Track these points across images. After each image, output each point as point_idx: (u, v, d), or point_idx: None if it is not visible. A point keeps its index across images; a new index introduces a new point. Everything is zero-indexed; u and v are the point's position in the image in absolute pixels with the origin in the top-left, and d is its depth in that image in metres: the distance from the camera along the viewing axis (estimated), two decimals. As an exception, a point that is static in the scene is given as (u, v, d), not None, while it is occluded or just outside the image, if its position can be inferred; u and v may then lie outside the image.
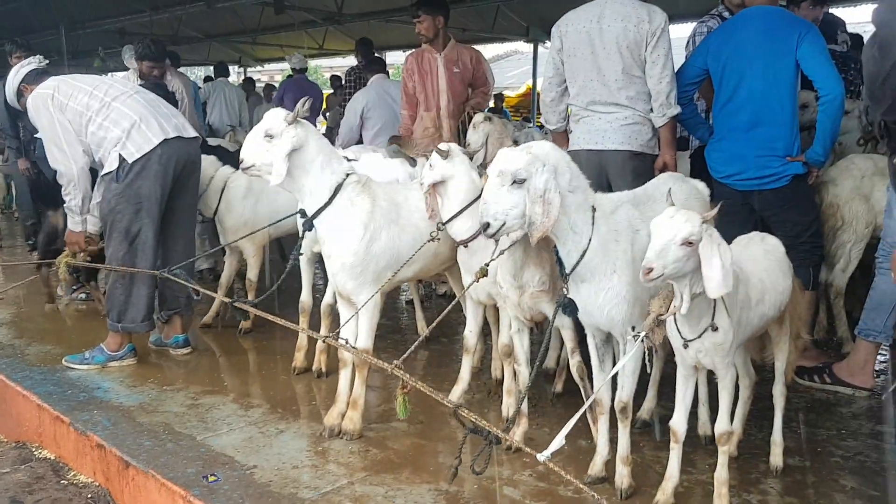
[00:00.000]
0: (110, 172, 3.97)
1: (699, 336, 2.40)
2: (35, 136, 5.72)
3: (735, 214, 3.63)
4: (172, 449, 3.10)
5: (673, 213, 2.24)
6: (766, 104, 3.59)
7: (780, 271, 2.74)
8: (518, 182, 2.43)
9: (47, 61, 4.47)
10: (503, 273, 2.91)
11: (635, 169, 3.61)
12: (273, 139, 2.97)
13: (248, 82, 13.28)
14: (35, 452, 3.50)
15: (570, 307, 2.64)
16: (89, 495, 3.12)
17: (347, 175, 3.13)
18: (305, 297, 4.06)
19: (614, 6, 3.66)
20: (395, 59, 20.03)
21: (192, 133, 4.18)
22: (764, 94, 3.58)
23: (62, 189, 4.08)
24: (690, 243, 2.18)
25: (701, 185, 3.30)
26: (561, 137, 3.96)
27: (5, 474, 3.27)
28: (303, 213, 3.13)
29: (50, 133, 4.01)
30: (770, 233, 3.68)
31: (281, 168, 2.95)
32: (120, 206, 3.93)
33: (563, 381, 3.63)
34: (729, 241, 2.94)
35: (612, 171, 3.67)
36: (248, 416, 3.45)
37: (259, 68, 19.27)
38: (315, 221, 3.12)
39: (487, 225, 2.45)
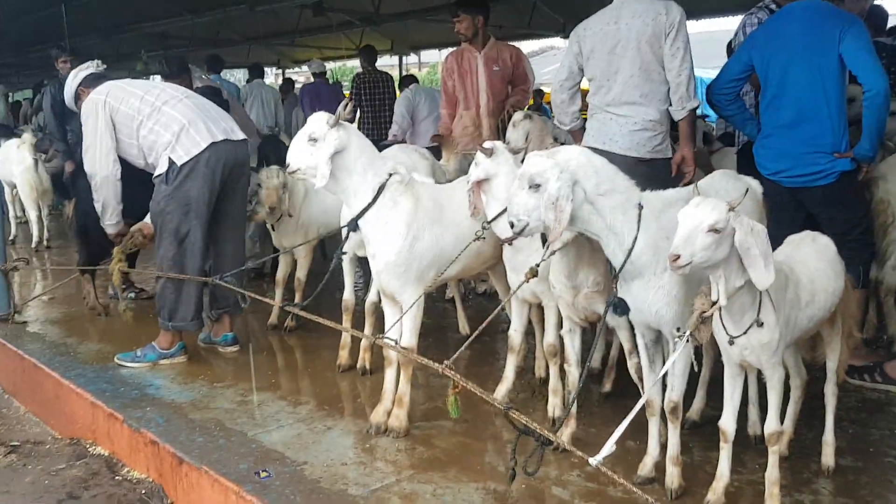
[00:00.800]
0: (161, 175, 4.06)
1: (744, 332, 2.38)
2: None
3: (784, 212, 3.59)
4: (224, 445, 3.16)
5: (699, 201, 2.26)
6: (811, 100, 3.54)
7: (832, 272, 2.70)
8: (534, 187, 2.50)
9: (105, 66, 4.57)
10: (557, 274, 2.91)
11: (643, 174, 3.57)
12: (317, 142, 3.02)
13: (287, 83, 13.41)
14: (89, 449, 3.59)
15: (620, 306, 2.64)
16: (143, 491, 3.20)
17: (390, 175, 3.16)
18: (348, 295, 4.10)
19: (631, 6, 3.69)
20: (430, 58, 20.10)
21: (240, 136, 4.25)
22: (808, 90, 3.53)
23: (93, 192, 4.25)
24: (717, 230, 2.19)
25: (755, 183, 3.27)
26: (579, 135, 3.98)
27: (61, 470, 3.38)
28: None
29: (91, 138, 4.14)
30: (820, 230, 3.65)
31: (325, 170, 3.00)
32: (169, 207, 4.02)
33: (612, 380, 3.62)
34: (779, 239, 2.93)
35: None
36: (297, 413, 3.50)
37: (297, 69, 19.44)
38: (360, 222, 3.16)
39: (511, 224, 2.53)
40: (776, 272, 2.40)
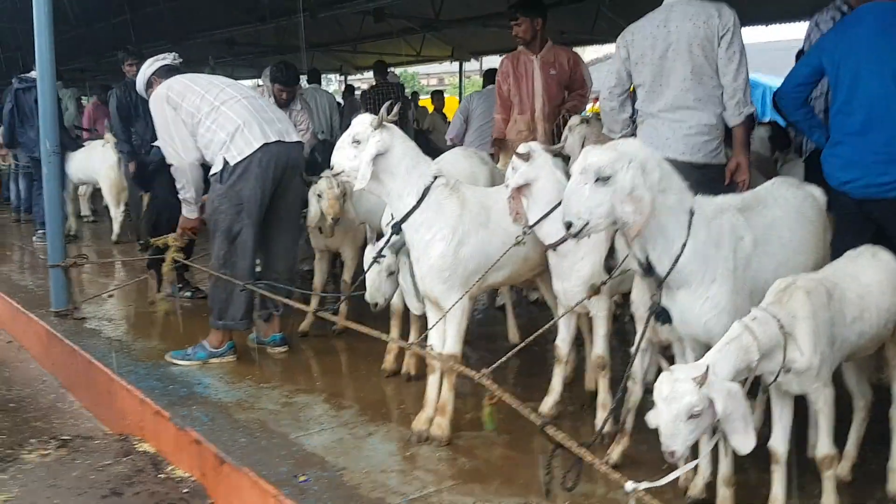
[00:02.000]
0: (215, 174, 4.11)
1: (775, 379, 2.30)
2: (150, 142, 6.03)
3: (851, 223, 3.38)
4: (266, 447, 3.15)
5: (667, 385, 2.11)
6: (883, 106, 3.33)
7: (889, 288, 2.53)
8: (602, 179, 2.35)
9: (181, 59, 4.63)
10: (639, 294, 2.79)
11: (697, 180, 3.43)
12: (360, 144, 2.99)
13: (349, 91, 13.53)
14: (136, 445, 3.63)
15: (662, 315, 2.52)
16: (185, 490, 3.20)
17: (435, 178, 3.10)
18: (396, 299, 4.02)
19: (681, 8, 3.56)
20: (491, 63, 20.04)
21: (294, 137, 4.28)
22: (881, 96, 3.32)
23: (176, 182, 4.27)
24: (695, 415, 2.09)
25: (818, 192, 3.09)
26: None
27: (108, 466, 3.41)
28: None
29: (163, 130, 4.21)
30: (890, 244, 3.44)
31: (366, 172, 2.97)
32: (223, 206, 4.06)
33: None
34: (846, 250, 2.77)
35: None
36: (339, 417, 3.47)
37: (359, 76, 19.65)
38: (403, 225, 3.11)
39: (570, 224, 2.38)
40: (815, 290, 2.33)
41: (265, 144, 4.05)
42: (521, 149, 3.06)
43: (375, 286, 3.37)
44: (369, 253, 3.43)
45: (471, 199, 3.17)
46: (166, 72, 4.42)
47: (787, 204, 2.87)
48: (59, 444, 3.70)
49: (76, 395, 4.46)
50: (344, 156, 3.04)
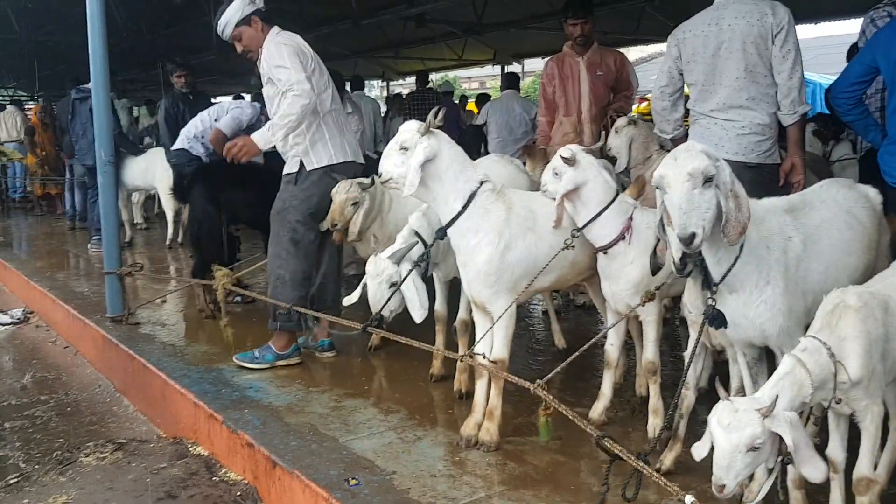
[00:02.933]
0: (290, 175, 4.17)
1: (828, 406, 2.23)
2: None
3: (912, 224, 3.29)
4: (317, 450, 3.17)
5: (728, 419, 2.03)
6: None
7: None
8: (709, 180, 2.29)
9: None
10: (692, 298, 2.74)
11: (751, 180, 3.35)
12: (408, 151, 3.00)
13: (396, 98, 13.56)
14: (190, 449, 3.70)
15: (718, 319, 2.47)
16: (238, 493, 3.25)
17: (482, 183, 3.10)
18: (440, 307, 4.03)
19: (734, 6, 3.50)
20: (533, 66, 19.98)
21: (360, 160, 4.36)
22: None
23: (284, 111, 3.91)
24: (756, 448, 2.01)
25: (872, 193, 3.00)
26: (680, 144, 3.78)
27: (162, 469, 3.48)
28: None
29: (290, 58, 3.92)
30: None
31: (414, 179, 2.98)
32: (292, 207, 4.12)
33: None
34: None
35: None
36: (388, 421, 3.48)
37: (401, 81, 19.77)
38: (449, 231, 3.11)
39: (693, 236, 2.25)
40: (868, 304, 2.24)
41: (343, 162, 4.16)
42: (565, 153, 3.04)
43: (377, 299, 3.40)
44: (370, 265, 3.48)
45: (517, 203, 3.16)
46: (266, 17, 4.17)
47: (836, 205, 2.79)
48: (115, 447, 3.79)
49: (131, 399, 4.56)
50: (392, 163, 3.06)
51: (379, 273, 3.40)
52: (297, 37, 4.13)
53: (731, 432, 2.02)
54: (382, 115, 10.19)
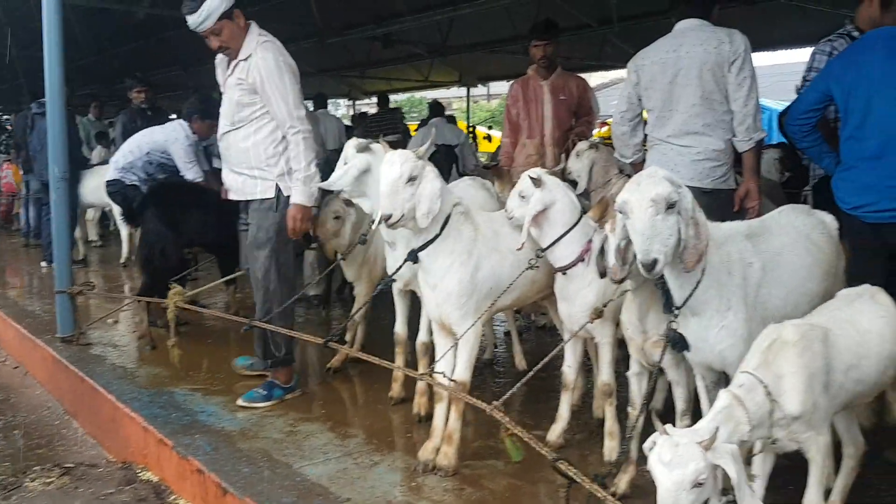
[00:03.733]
0: (268, 201, 3.88)
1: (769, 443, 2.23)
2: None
3: (865, 249, 3.34)
4: (269, 477, 3.09)
5: (668, 450, 1.97)
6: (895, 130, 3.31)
7: (889, 332, 2.44)
8: (671, 206, 2.30)
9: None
10: (629, 316, 2.77)
11: (706, 206, 3.40)
12: (415, 181, 2.94)
13: (361, 117, 13.55)
14: (139, 474, 3.59)
15: (680, 342, 2.48)
16: (188, 520, 3.16)
17: (454, 205, 3.10)
18: (400, 328, 3.97)
19: (692, 34, 3.56)
20: (499, 89, 20.16)
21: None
22: (893, 120, 3.30)
23: (304, 156, 3.72)
24: (700, 483, 1.96)
25: (829, 219, 3.06)
26: (639, 168, 3.84)
27: (110, 495, 3.37)
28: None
29: (293, 91, 3.75)
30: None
31: (434, 206, 2.94)
32: (276, 236, 3.87)
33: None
34: (860, 279, 2.71)
35: None
36: (344, 446, 3.42)
37: (367, 101, 19.79)
38: (421, 254, 3.08)
39: (655, 262, 2.26)
40: (806, 337, 2.25)
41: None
42: (532, 174, 3.05)
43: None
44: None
45: (482, 223, 3.17)
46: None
47: (795, 231, 2.83)
48: (62, 471, 3.66)
49: (80, 422, 4.43)
50: (399, 199, 2.91)
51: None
52: (280, 46, 3.87)
53: (673, 469, 1.94)
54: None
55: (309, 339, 3.68)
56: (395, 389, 3.95)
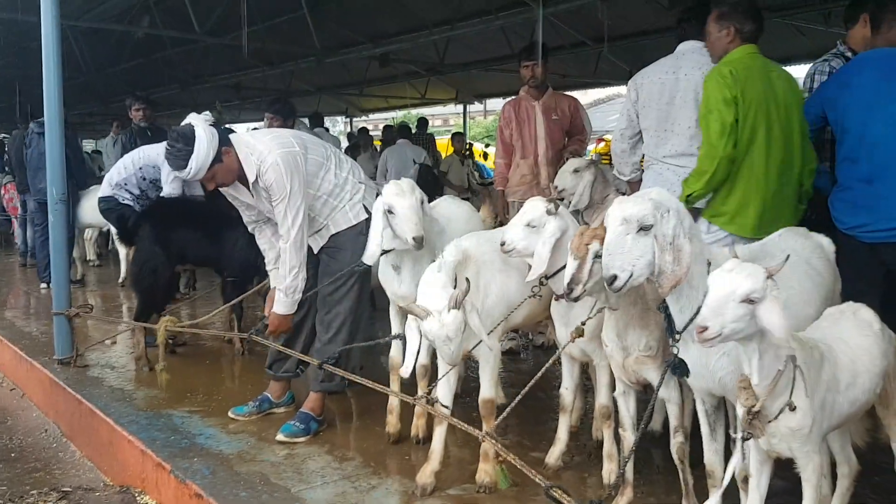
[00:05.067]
0: (359, 224, 3.79)
1: (775, 417, 2.16)
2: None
3: (861, 269, 3.36)
4: (267, 501, 3.08)
5: (733, 265, 2.05)
6: (890, 151, 3.33)
7: (877, 350, 2.44)
8: (645, 229, 2.32)
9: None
10: (608, 332, 2.78)
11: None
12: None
13: (363, 132, 13.55)
14: (137, 498, 3.57)
15: (680, 367, 2.48)
16: (186, 545, 3.14)
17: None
18: (395, 352, 3.83)
19: (691, 56, 3.61)
20: (496, 105, 20.25)
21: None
22: (887, 141, 3.32)
23: (289, 265, 3.63)
24: (752, 301, 1.98)
25: (826, 242, 3.07)
26: (636, 187, 3.86)
27: (108, 519, 3.36)
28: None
29: (299, 199, 3.58)
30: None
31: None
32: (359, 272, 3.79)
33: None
34: (856, 298, 2.72)
35: None
36: (342, 469, 3.41)
37: (364, 118, 19.87)
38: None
39: (614, 278, 2.32)
40: (812, 349, 2.24)
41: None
42: (541, 204, 3.01)
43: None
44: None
45: (480, 250, 3.19)
46: (228, 135, 3.66)
47: (796, 255, 2.84)
48: (59, 495, 3.65)
49: (78, 445, 4.41)
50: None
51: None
52: (287, 141, 3.64)
53: (731, 275, 2.00)
54: (344, 150, 10.24)
55: (306, 358, 3.72)
56: (392, 423, 3.74)
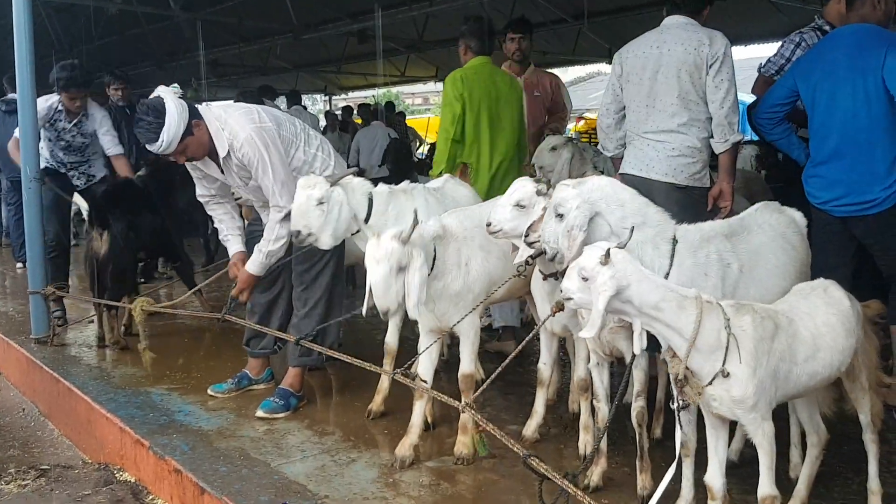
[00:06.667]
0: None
1: (709, 383, 2.22)
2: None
3: (833, 242, 3.43)
4: (247, 475, 3.10)
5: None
6: (860, 126, 3.36)
7: (842, 328, 2.47)
8: (559, 216, 2.55)
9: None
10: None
11: (679, 201, 3.46)
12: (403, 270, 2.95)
13: (347, 111, 13.45)
14: (116, 475, 3.58)
15: (650, 343, 2.51)
16: (166, 520, 3.16)
17: (434, 238, 3.13)
18: (391, 338, 3.76)
19: (676, 31, 3.59)
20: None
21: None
22: (856, 116, 3.36)
23: (276, 234, 3.63)
24: (585, 279, 2.19)
25: (798, 216, 3.12)
26: (619, 163, 3.87)
27: (87, 496, 3.36)
28: None
29: (282, 171, 3.58)
30: (872, 260, 3.46)
31: (422, 295, 2.94)
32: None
33: (662, 425, 3.42)
34: (827, 272, 2.77)
35: (657, 201, 3.52)
36: (322, 444, 3.43)
37: (343, 96, 19.73)
38: None
39: (544, 251, 2.60)
40: (763, 319, 2.28)
41: None
42: (535, 184, 2.99)
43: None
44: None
45: (461, 227, 3.21)
46: (197, 110, 3.60)
47: (772, 230, 2.89)
48: (37, 473, 3.65)
49: (56, 424, 4.40)
50: (393, 292, 2.92)
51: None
52: (260, 117, 3.62)
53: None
54: (322, 129, 10.20)
55: (282, 335, 3.73)
56: (377, 402, 3.74)
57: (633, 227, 2.42)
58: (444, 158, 4.40)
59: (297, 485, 3.01)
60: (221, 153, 3.59)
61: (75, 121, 5.53)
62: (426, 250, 2.97)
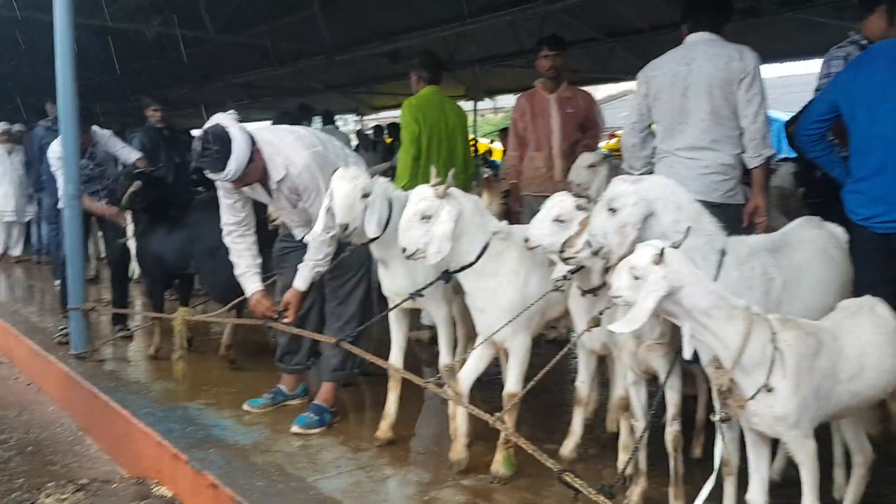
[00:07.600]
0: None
1: (752, 397, 2.18)
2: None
3: (874, 259, 3.34)
4: (283, 490, 3.11)
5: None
6: None
7: (889, 348, 2.42)
8: (611, 210, 2.46)
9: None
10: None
11: None
12: (430, 219, 2.97)
13: (378, 131, 13.66)
14: (153, 489, 3.60)
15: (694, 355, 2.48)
16: (202, 534, 3.17)
17: (494, 233, 3.13)
18: (395, 359, 3.67)
19: (704, 48, 3.57)
20: (505, 102, 20.23)
21: None
22: None
23: (325, 252, 3.67)
24: (637, 277, 2.16)
25: (840, 231, 3.08)
26: None
27: (125, 510, 3.39)
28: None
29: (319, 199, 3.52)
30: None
31: (445, 247, 2.94)
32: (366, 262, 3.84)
33: (702, 444, 3.36)
34: (869, 288, 2.72)
35: None
36: (357, 459, 3.43)
37: (374, 116, 19.88)
38: (462, 277, 3.12)
39: (589, 244, 2.53)
40: (807, 335, 2.24)
41: None
42: (575, 199, 2.95)
43: (347, 205, 3.20)
44: (338, 173, 3.30)
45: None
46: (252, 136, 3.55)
47: (814, 245, 2.86)
48: (76, 487, 3.68)
49: (94, 438, 4.45)
50: (414, 235, 2.96)
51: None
52: (308, 141, 3.67)
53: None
54: (354, 148, 10.30)
55: (321, 338, 3.74)
56: (383, 429, 3.62)
57: (689, 228, 2.34)
58: (407, 174, 4.86)
59: (332, 500, 3.01)
60: (275, 178, 3.59)
61: (87, 154, 5.74)
62: (464, 215, 3.01)
